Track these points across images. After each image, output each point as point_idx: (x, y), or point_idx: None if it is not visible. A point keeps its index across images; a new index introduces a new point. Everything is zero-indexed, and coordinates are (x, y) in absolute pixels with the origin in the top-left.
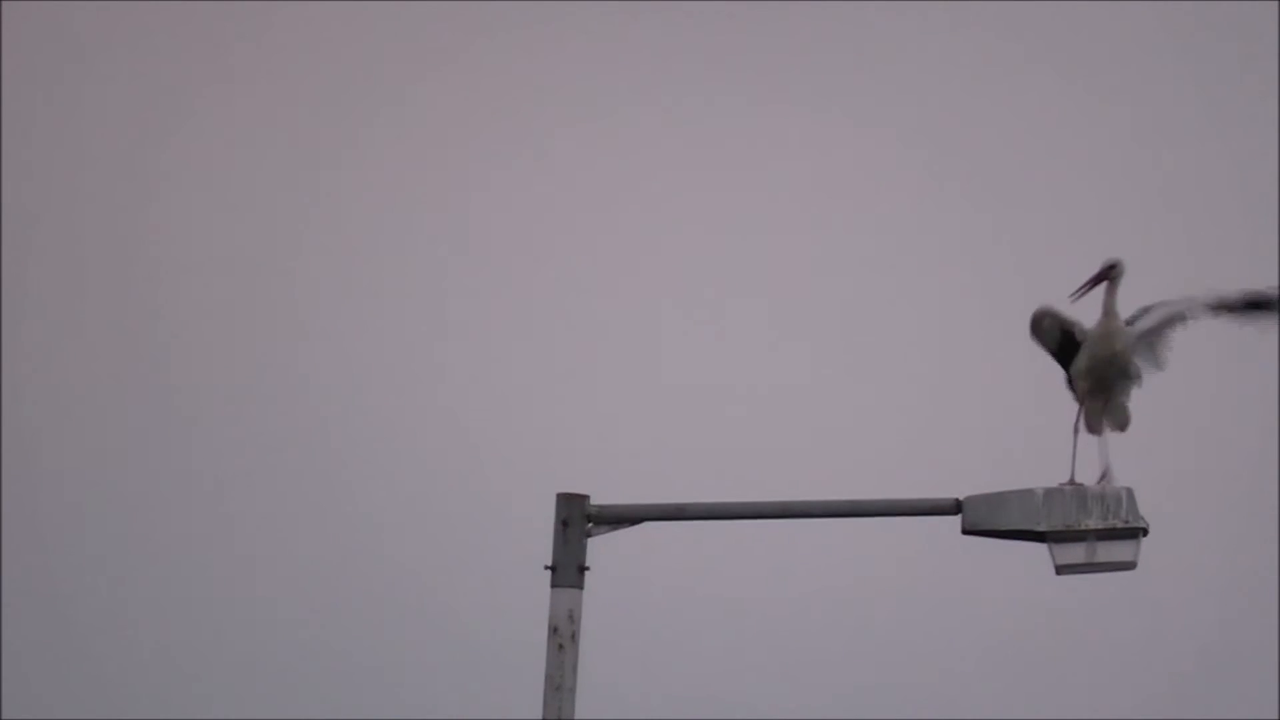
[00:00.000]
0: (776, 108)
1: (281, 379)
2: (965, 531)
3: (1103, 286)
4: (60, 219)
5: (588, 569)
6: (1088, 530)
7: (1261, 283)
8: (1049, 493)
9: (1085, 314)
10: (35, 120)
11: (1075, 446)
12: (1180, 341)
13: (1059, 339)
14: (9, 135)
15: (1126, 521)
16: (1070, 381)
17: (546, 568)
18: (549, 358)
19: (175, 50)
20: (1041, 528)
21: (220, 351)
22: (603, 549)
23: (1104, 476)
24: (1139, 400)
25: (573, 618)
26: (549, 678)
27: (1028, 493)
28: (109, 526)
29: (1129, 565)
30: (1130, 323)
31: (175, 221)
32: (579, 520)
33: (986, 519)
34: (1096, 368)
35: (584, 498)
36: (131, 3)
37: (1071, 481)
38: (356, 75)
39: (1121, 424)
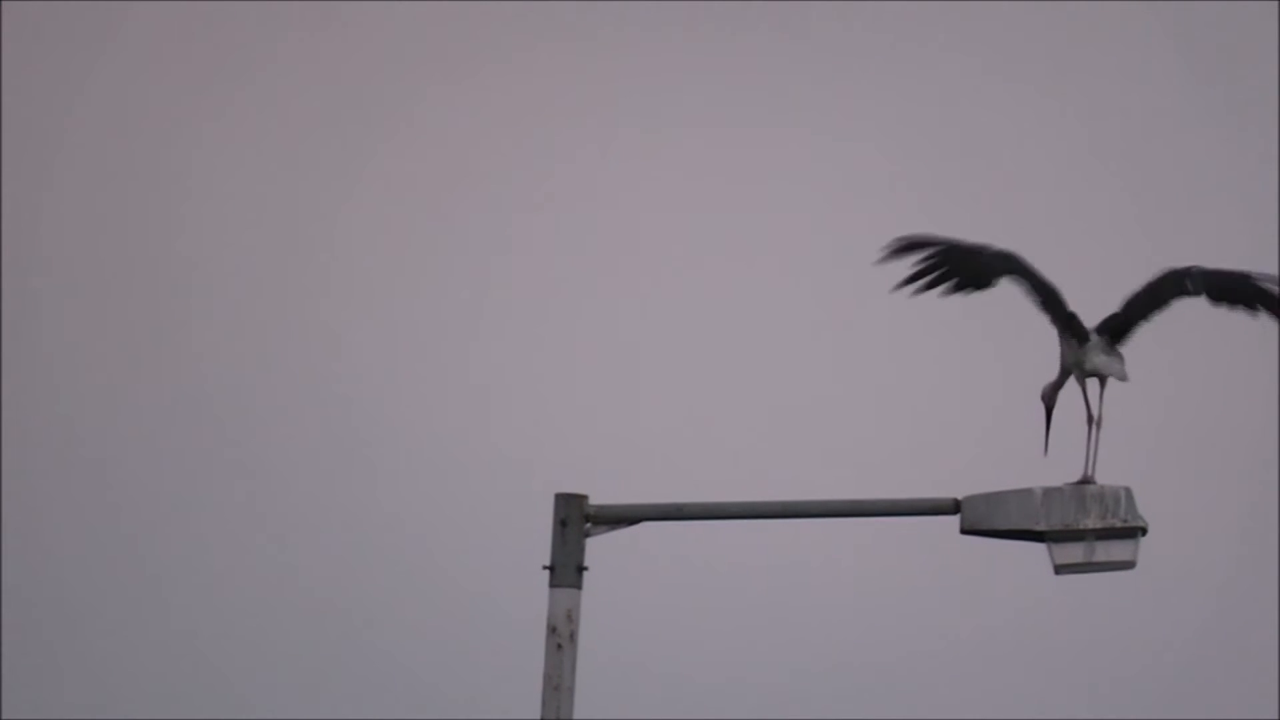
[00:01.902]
0: (778, 109)
1: (282, 380)
2: (964, 531)
3: None
4: (84, 218)
5: (586, 569)
6: (1086, 530)
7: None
8: (1048, 492)
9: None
10: (58, 119)
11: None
12: (1177, 335)
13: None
14: (30, 134)
15: (1125, 521)
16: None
17: (545, 568)
18: (548, 357)
19: (204, 49)
20: (1040, 527)
21: (224, 350)
22: (601, 549)
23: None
24: (1139, 395)
25: (571, 618)
26: (547, 678)
27: (1026, 492)
28: (111, 524)
29: (1128, 565)
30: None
31: (201, 220)
32: (577, 520)
33: (985, 519)
34: None
35: (582, 498)
36: (153, 5)
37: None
38: (376, 80)
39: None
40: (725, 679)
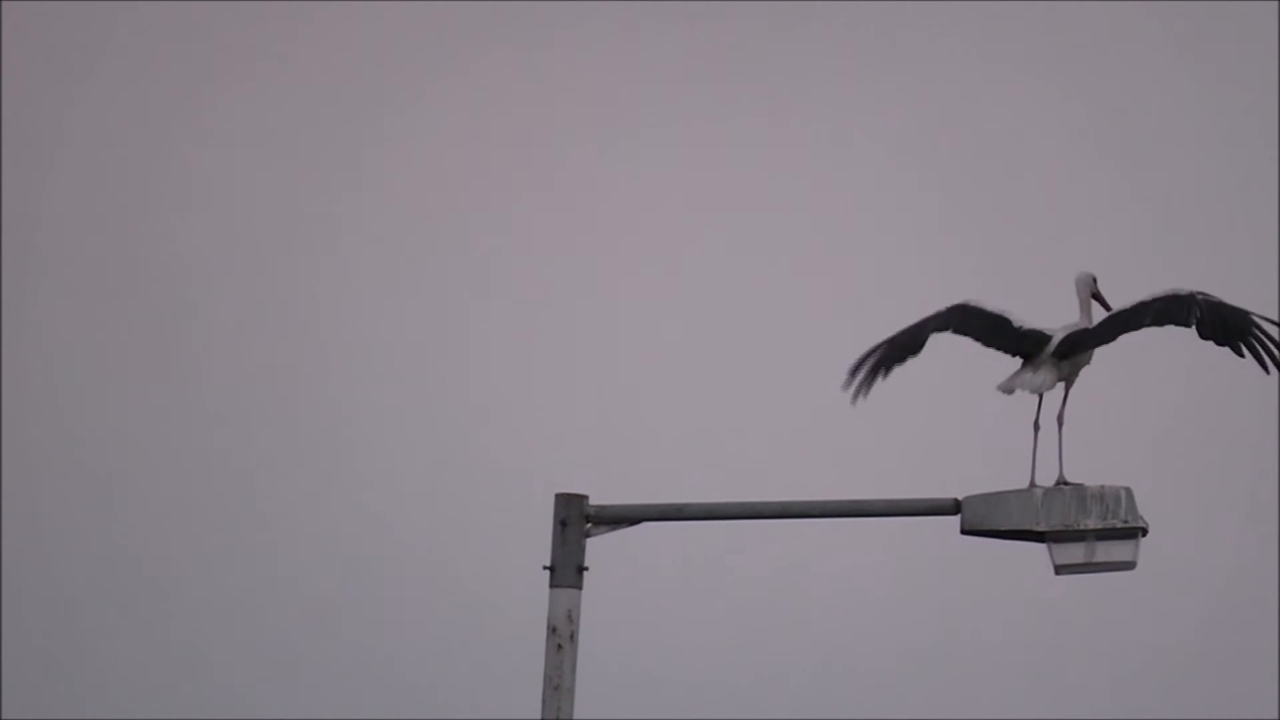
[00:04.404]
0: (781, 109)
1: (283, 379)
2: (964, 531)
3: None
4: (83, 218)
5: (586, 569)
6: (1087, 530)
7: (1261, 287)
8: (1048, 493)
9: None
10: (54, 120)
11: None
12: (1177, 341)
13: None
14: (28, 135)
15: (1126, 521)
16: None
17: (545, 568)
18: (548, 357)
19: (196, 51)
20: (1041, 527)
21: (224, 352)
22: (602, 549)
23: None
24: (1139, 395)
25: (571, 618)
26: (548, 678)
27: (1027, 492)
28: (111, 524)
29: (1128, 565)
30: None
31: (199, 222)
32: (578, 520)
33: (986, 519)
34: None
35: (583, 498)
36: (153, 3)
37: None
38: (372, 81)
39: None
40: (725, 679)
